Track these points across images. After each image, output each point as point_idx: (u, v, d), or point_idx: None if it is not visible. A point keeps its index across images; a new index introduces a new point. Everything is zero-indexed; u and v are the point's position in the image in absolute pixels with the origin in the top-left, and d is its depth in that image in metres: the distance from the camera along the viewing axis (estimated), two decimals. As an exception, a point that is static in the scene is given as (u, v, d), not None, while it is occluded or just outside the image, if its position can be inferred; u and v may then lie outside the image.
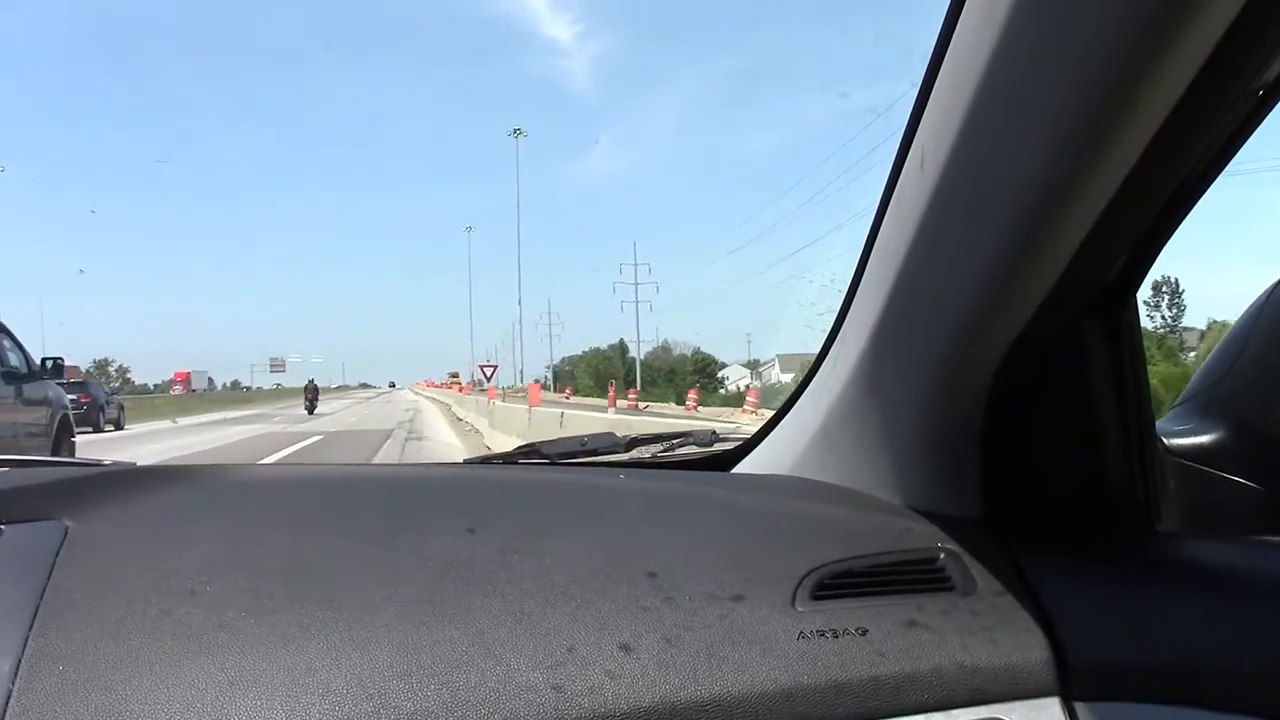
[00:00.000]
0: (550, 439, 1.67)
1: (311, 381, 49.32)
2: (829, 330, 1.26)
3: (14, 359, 11.03)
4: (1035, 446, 1.05)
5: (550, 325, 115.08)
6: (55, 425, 11.81)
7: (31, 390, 11.24)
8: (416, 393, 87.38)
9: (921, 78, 0.89)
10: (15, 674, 0.73)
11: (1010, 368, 0.96)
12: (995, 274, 0.87)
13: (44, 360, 11.56)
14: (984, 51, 0.77)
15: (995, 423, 1.01)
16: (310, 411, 44.67)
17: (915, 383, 1.03)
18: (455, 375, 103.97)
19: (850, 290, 1.15)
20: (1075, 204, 0.79)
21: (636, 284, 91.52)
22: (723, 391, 71.32)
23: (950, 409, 1.02)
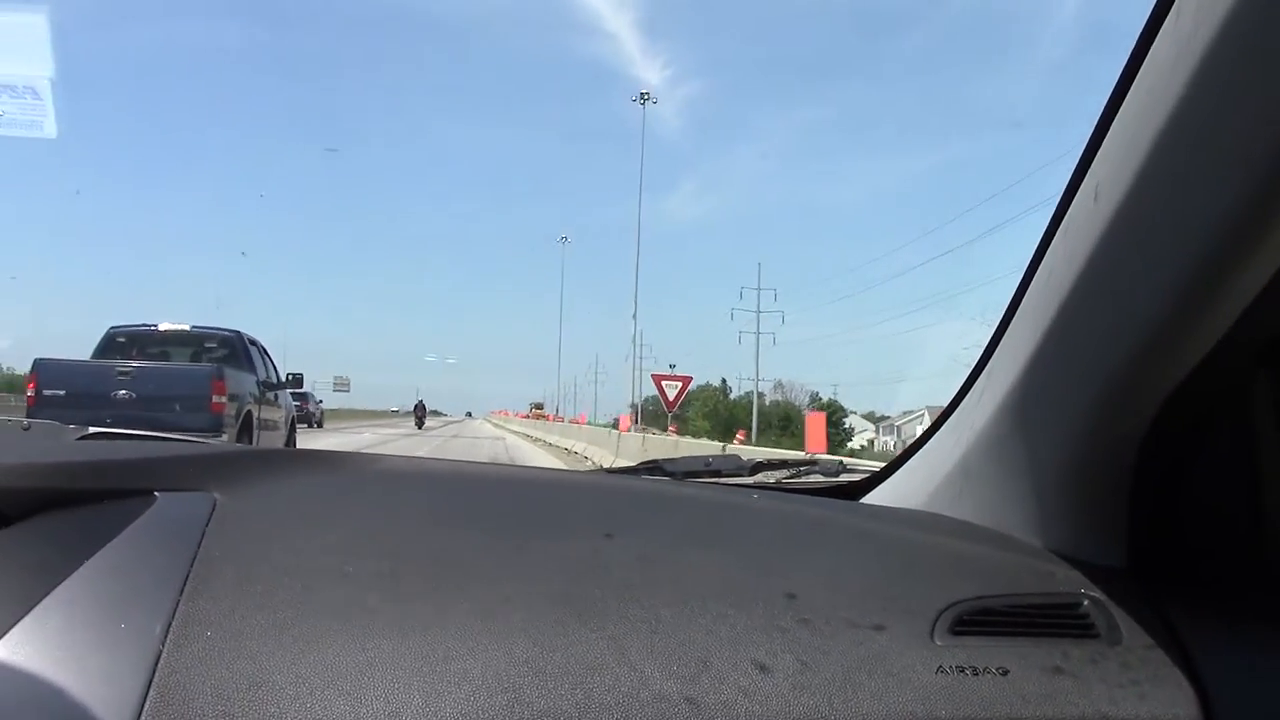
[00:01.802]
0: (672, 458, 1.67)
1: (420, 402, 61.93)
2: (974, 364, 1.23)
3: (265, 372, 14.01)
4: (1190, 497, 1.01)
5: (639, 357, 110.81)
6: (288, 423, 15.35)
7: (277, 396, 14.58)
8: (497, 424, 77.89)
9: (1102, 108, 0.87)
10: (165, 636, 0.76)
11: (1171, 413, 0.93)
12: (1166, 317, 0.84)
13: (288, 375, 15.14)
14: (1176, 83, 0.74)
15: (1149, 469, 0.98)
16: (419, 426, 54.38)
17: (1068, 423, 1.00)
18: (539, 405, 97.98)
19: (1004, 322, 1.12)
20: (1258, 250, 0.76)
21: (759, 311, 79.30)
22: (850, 445, 65.87)
23: (1103, 452, 0.98)
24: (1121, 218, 0.84)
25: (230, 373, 12.35)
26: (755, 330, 78.41)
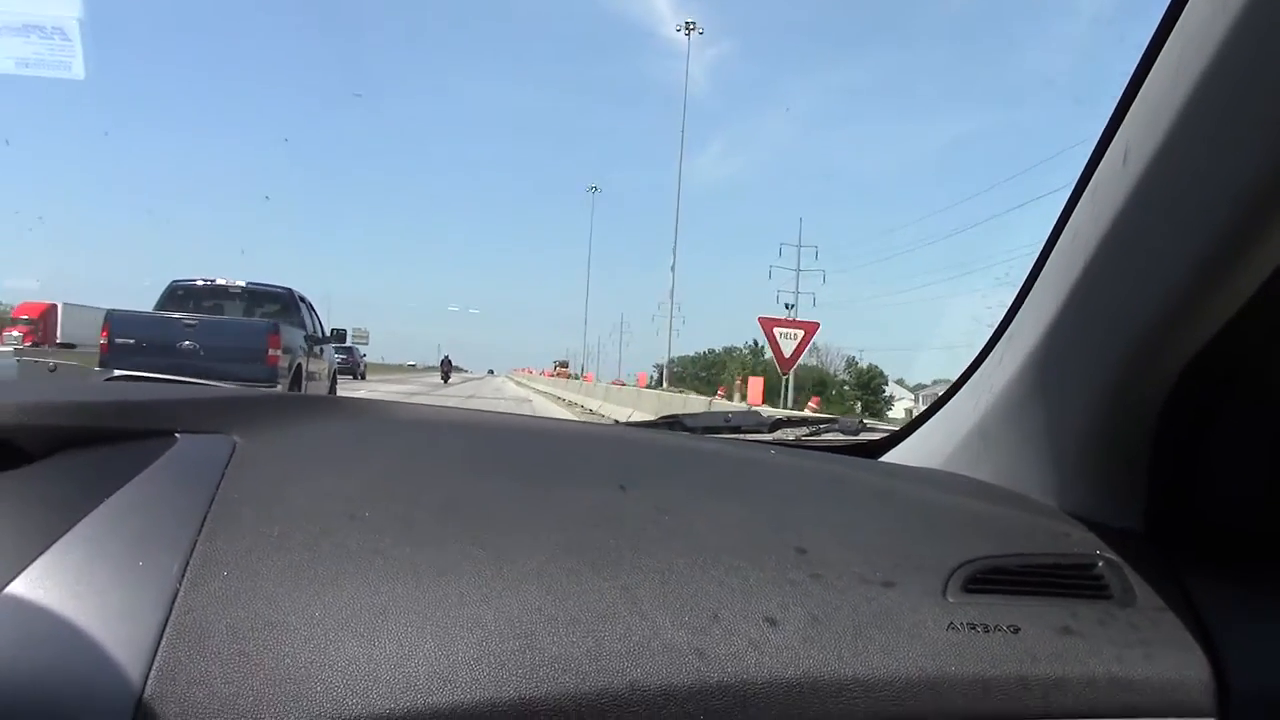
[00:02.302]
0: (694, 413, 1.67)
1: (447, 357, 64.13)
2: (996, 325, 1.23)
3: (311, 327, 14.85)
4: (1208, 462, 1.00)
5: (671, 317, 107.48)
6: (330, 375, 16.39)
7: (322, 350, 15.49)
8: (520, 382, 73.54)
9: (1134, 68, 0.85)
10: (183, 575, 0.77)
11: (1192, 377, 0.92)
12: (1192, 282, 0.83)
13: (332, 330, 16.25)
14: (1208, 45, 0.73)
15: (1168, 433, 0.97)
16: (445, 380, 57.34)
17: (1088, 386, 0.99)
18: (564, 364, 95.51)
19: (1027, 284, 1.12)
20: None
21: (799, 270, 75.51)
22: (891, 415, 64.68)
23: (1122, 416, 0.98)
24: (1150, 180, 0.83)
25: (284, 328, 13.18)
26: (795, 289, 74.72)
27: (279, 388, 12.11)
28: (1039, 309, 1.06)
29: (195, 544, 0.80)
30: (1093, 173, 0.94)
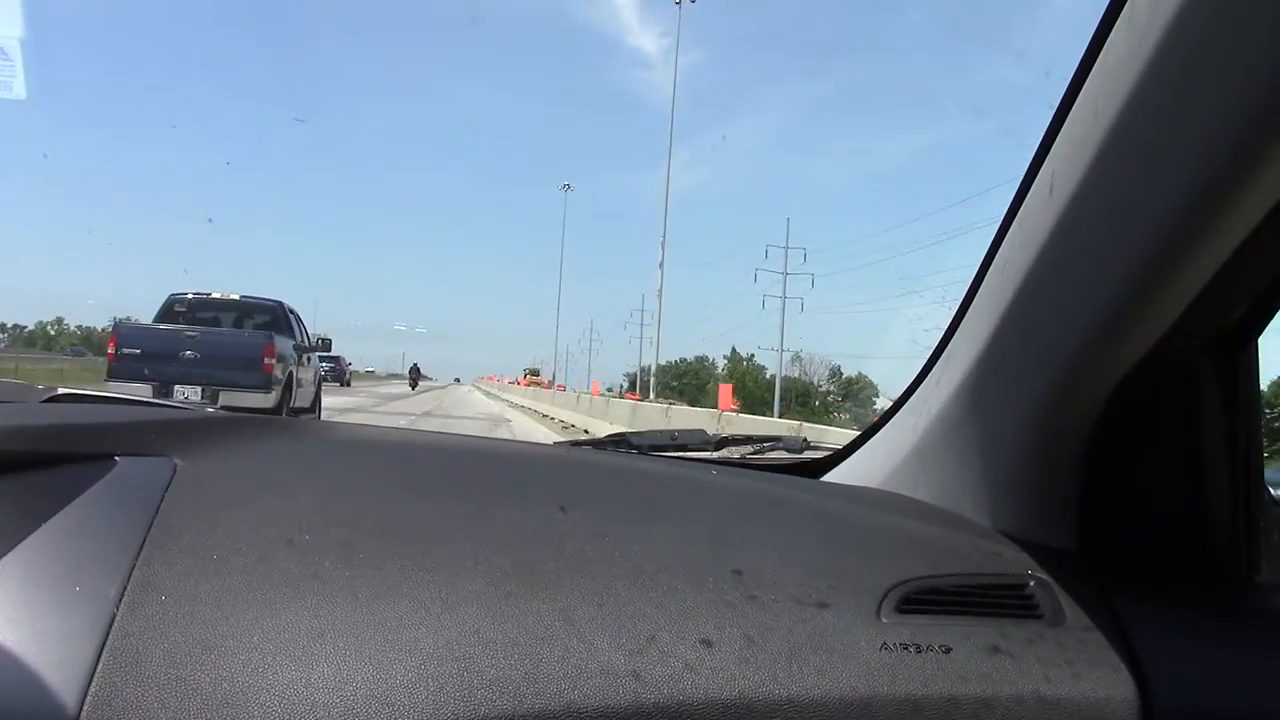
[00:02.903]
0: (641, 430, 1.68)
1: (415, 365, 65.88)
2: (933, 348, 1.25)
3: (300, 337, 15.62)
4: (1137, 482, 1.03)
5: (642, 325, 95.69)
6: (316, 381, 17.18)
7: (309, 359, 16.20)
8: (490, 393, 65.10)
9: (1060, 99, 0.88)
10: (120, 600, 0.77)
11: (1119, 400, 0.95)
12: (1117, 305, 0.86)
13: (318, 339, 16.92)
14: (1127, 80, 0.76)
15: (1098, 454, 1.00)
16: (413, 387, 58.79)
17: (1020, 407, 1.02)
18: (535, 371, 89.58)
19: (961, 309, 1.14)
20: (1208, 242, 0.78)
21: (786, 274, 71.15)
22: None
23: (1053, 437, 1.00)
24: (1074, 209, 0.85)
25: (278, 339, 14.06)
26: (782, 294, 70.89)
27: (274, 393, 13.38)
28: (973, 333, 1.08)
29: (133, 568, 0.79)
30: (1021, 201, 0.97)
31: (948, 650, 0.88)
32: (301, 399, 15.06)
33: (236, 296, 15.49)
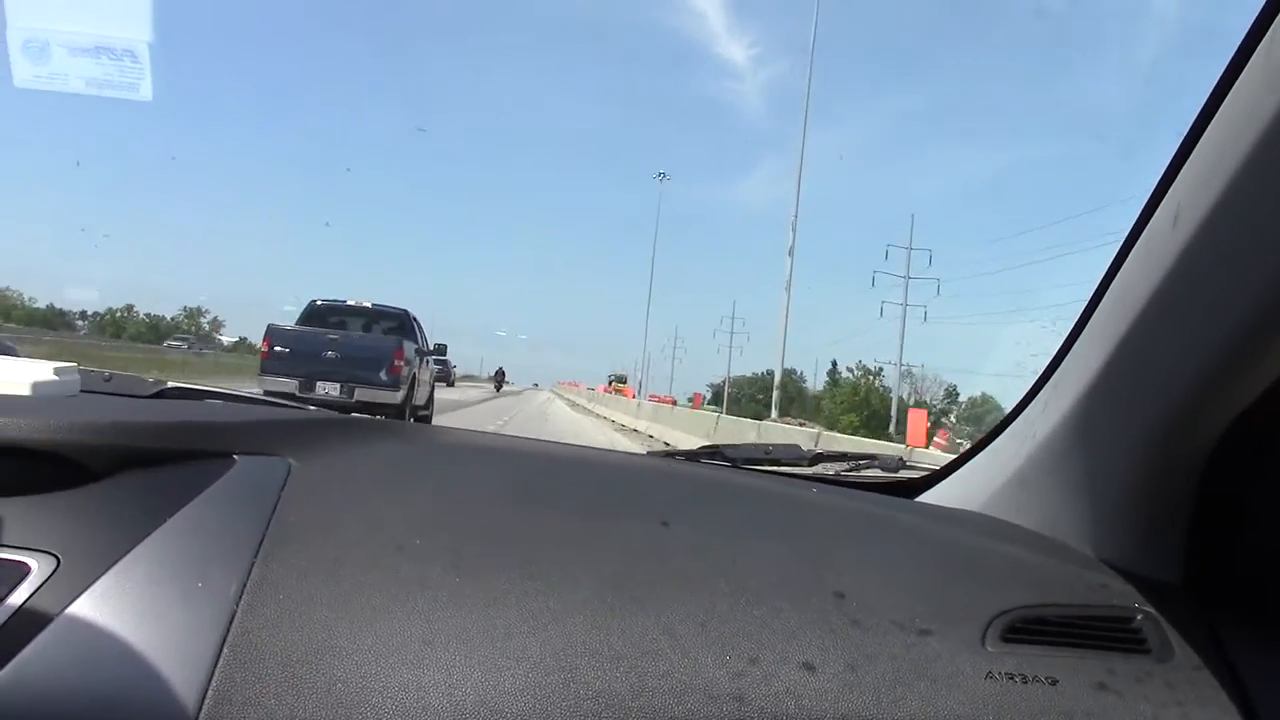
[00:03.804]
0: (734, 443, 1.67)
1: (500, 369, 66.48)
2: (1040, 372, 1.23)
3: (420, 342, 17.17)
4: (1251, 517, 1.00)
5: (732, 334, 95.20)
6: (432, 382, 19.11)
7: (427, 361, 17.93)
8: (574, 401, 58.39)
9: (1187, 129, 0.86)
10: (240, 597, 0.79)
11: (1237, 433, 0.92)
12: (1241, 340, 0.83)
13: (435, 345, 18.68)
14: (1263, 113, 0.74)
15: (1210, 487, 0.97)
16: (498, 389, 60.10)
17: (1132, 438, 1.00)
18: (621, 378, 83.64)
19: (1073, 334, 1.12)
20: None
21: (908, 277, 62.58)
22: None
23: (1165, 468, 0.98)
24: (1200, 241, 0.83)
25: (405, 343, 15.61)
26: (903, 301, 62.62)
27: (401, 392, 15.02)
28: (1086, 359, 1.06)
29: (252, 567, 0.82)
30: (1143, 229, 0.95)
31: (1054, 682, 0.87)
32: (419, 397, 16.58)
33: (369, 304, 17.48)
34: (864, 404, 63.12)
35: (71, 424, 0.90)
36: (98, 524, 0.84)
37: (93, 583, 0.78)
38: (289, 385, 14.16)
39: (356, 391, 14.54)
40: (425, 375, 17.77)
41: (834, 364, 75.68)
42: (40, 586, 0.77)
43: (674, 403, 56.44)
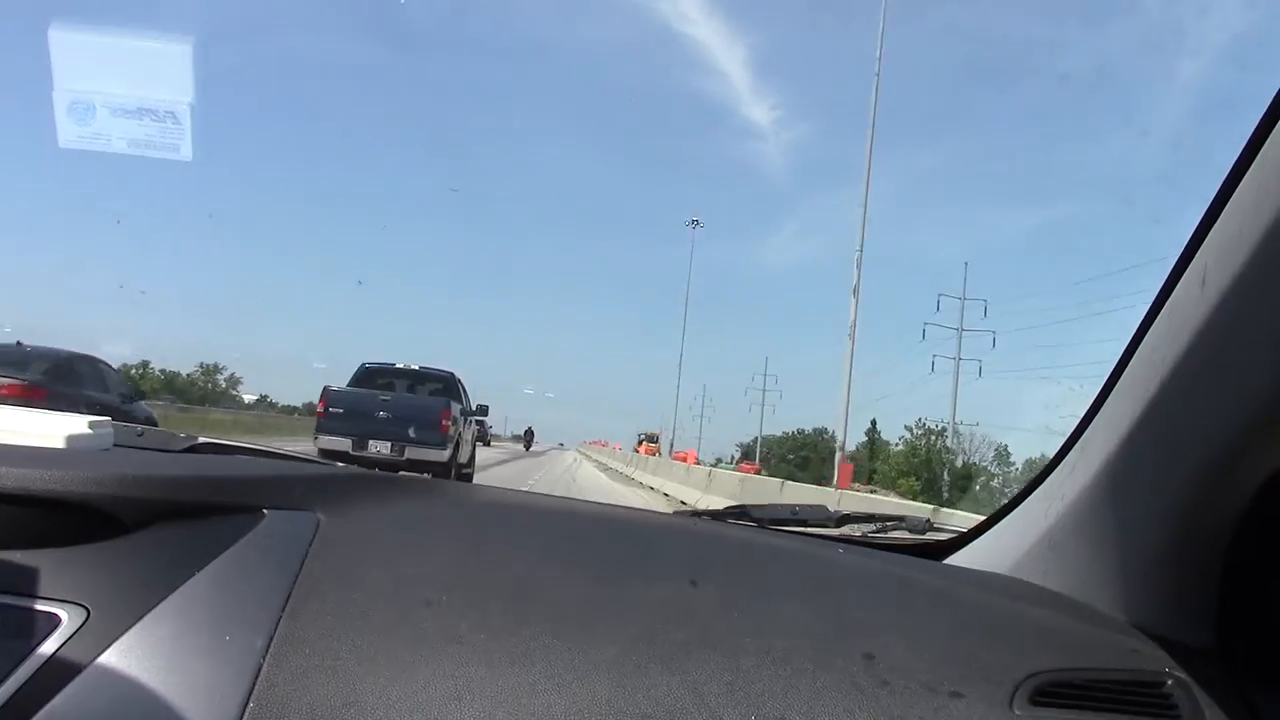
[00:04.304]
0: (761, 503, 1.67)
1: (530, 429, 64.91)
2: (1069, 434, 1.22)
3: (465, 403, 18.05)
4: None
5: (764, 391, 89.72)
6: (473, 440, 19.85)
7: (469, 420, 18.73)
8: (604, 465, 48.17)
9: (1216, 191, 0.87)
10: (266, 651, 0.80)
11: (1267, 497, 0.91)
12: (1270, 402, 0.83)
13: (477, 405, 19.25)
14: None
15: (1240, 552, 0.96)
16: (527, 449, 58.54)
17: (1161, 501, 0.99)
18: (653, 437, 77.20)
19: (1101, 395, 1.12)
20: None
21: (961, 330, 57.91)
22: None
23: (1196, 532, 0.97)
24: (1228, 304, 0.83)
25: (453, 404, 16.40)
26: (956, 355, 57.55)
27: (448, 450, 15.77)
28: (1113, 421, 1.06)
29: (279, 622, 0.82)
30: (1171, 291, 0.95)
31: None
32: (462, 455, 17.36)
33: (416, 367, 18.46)
34: (925, 466, 57.17)
35: (103, 477, 0.91)
36: (128, 576, 0.85)
37: (122, 634, 0.78)
38: (343, 444, 14.79)
39: (407, 450, 15.19)
40: (468, 434, 18.58)
41: (873, 423, 70.47)
42: (71, 637, 0.78)
43: (759, 470, 53.18)
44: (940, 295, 60.75)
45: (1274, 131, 0.78)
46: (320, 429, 15.51)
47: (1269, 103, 0.79)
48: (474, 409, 19.41)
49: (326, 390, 16.32)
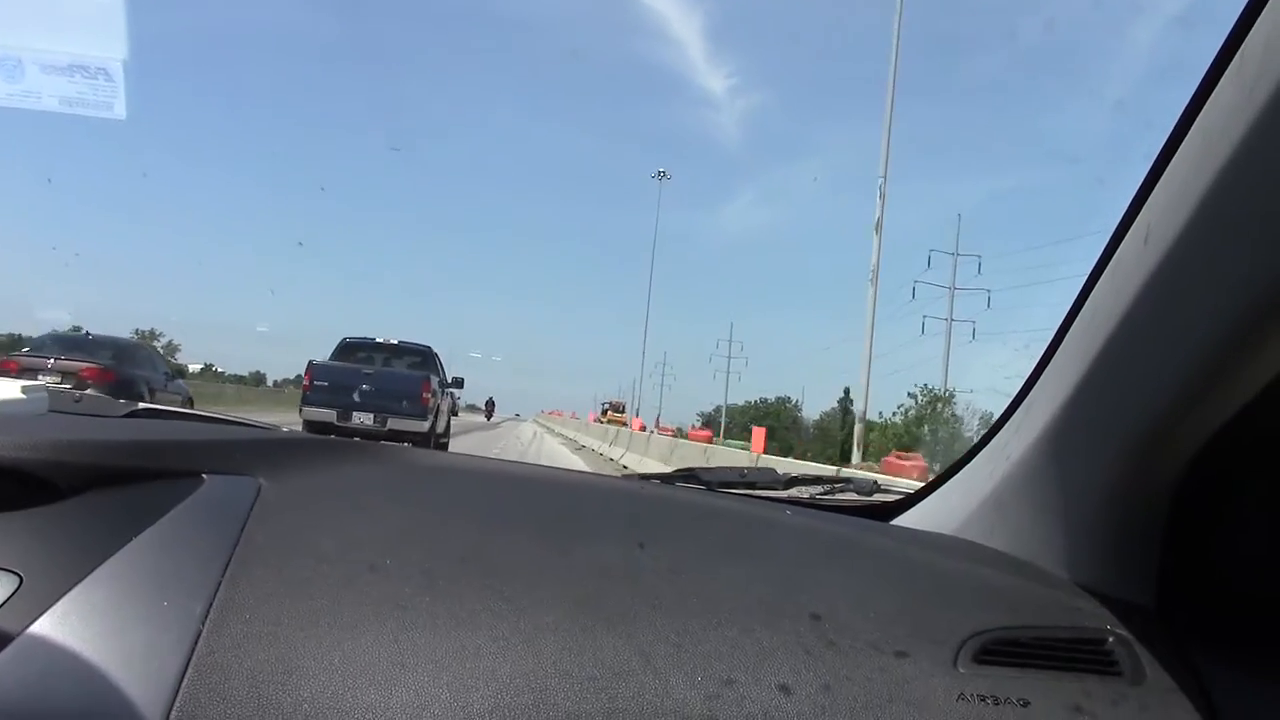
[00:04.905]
0: (709, 466, 1.67)
1: (490, 399, 63.50)
2: (1014, 395, 1.23)
3: (442, 376, 18.53)
4: (1223, 539, 1.01)
5: (730, 358, 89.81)
6: (449, 411, 20.12)
7: (445, 392, 19.04)
8: (564, 433, 47.67)
9: (1158, 151, 0.87)
10: (205, 617, 0.78)
11: (1209, 456, 0.93)
12: (1212, 360, 0.84)
13: (452, 378, 19.64)
14: (1234, 131, 0.74)
15: (1182, 510, 0.98)
16: (489, 418, 57.61)
17: (1105, 460, 1.00)
18: (618, 406, 75.78)
19: (1045, 356, 1.12)
20: None
21: (954, 288, 56.06)
22: None
23: (1139, 491, 0.98)
24: (1171, 260, 0.84)
25: (432, 377, 17.16)
26: (948, 316, 55.31)
27: (428, 421, 16.30)
28: (1058, 381, 1.07)
29: (219, 587, 0.81)
30: (1114, 251, 0.95)
31: (1025, 704, 0.87)
32: (439, 425, 17.78)
33: (395, 341, 18.79)
34: (933, 434, 49.41)
35: (37, 442, 0.89)
36: (62, 542, 0.83)
37: (55, 601, 0.77)
38: (328, 416, 15.44)
39: (389, 421, 15.72)
40: (444, 405, 18.99)
41: (846, 391, 65.30)
42: (2, 605, 0.76)
43: (711, 438, 47.84)
44: (931, 251, 58.68)
45: (1215, 89, 0.78)
46: (306, 401, 16.02)
47: (1211, 59, 0.79)
48: (449, 381, 19.73)
49: (312, 364, 16.74)
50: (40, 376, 13.66)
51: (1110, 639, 0.96)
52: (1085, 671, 0.92)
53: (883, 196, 26.41)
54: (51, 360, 14.99)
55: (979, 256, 60.04)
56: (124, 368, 15.99)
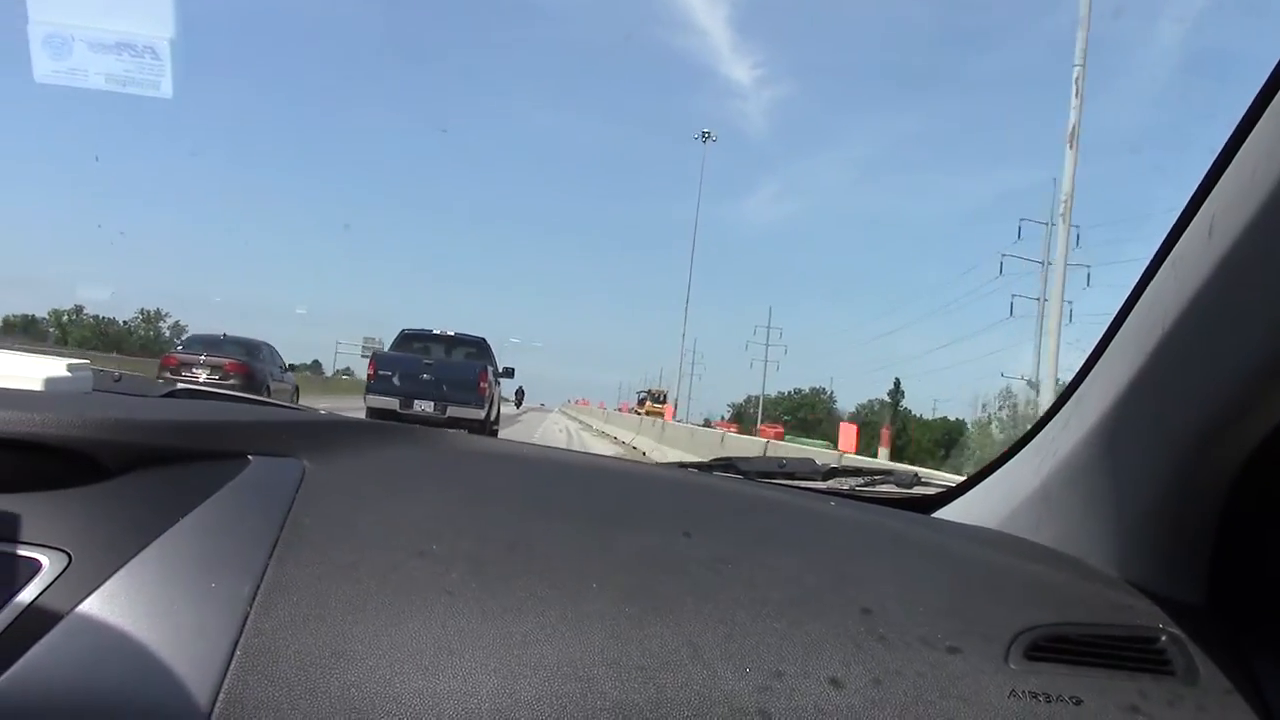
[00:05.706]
0: (747, 456, 1.66)
1: (520, 387, 60.96)
2: (1063, 388, 1.22)
3: (496, 365, 19.25)
4: (1277, 538, 0.99)
5: (767, 347, 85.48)
6: (499, 401, 20.69)
7: (500, 381, 19.77)
8: (598, 425, 43.77)
9: (1224, 144, 0.85)
10: (254, 598, 0.78)
11: (1265, 453, 0.91)
12: (1274, 356, 0.82)
13: (505, 367, 20.06)
14: None
15: (1237, 508, 0.96)
16: (518, 406, 54.19)
17: (1159, 455, 0.98)
18: (658, 396, 67.08)
19: (1098, 349, 1.11)
20: None
21: (1046, 262, 44.85)
22: None
23: (1192, 488, 0.97)
24: (1236, 254, 0.82)
25: (488, 367, 18.09)
26: (1040, 295, 46.93)
27: (485, 409, 17.11)
28: (1111, 375, 1.05)
29: (267, 568, 0.81)
30: (1175, 243, 0.93)
31: (1078, 702, 0.86)
32: (492, 413, 18.58)
33: (452, 332, 19.86)
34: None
35: (85, 420, 0.89)
36: (110, 521, 0.83)
37: (104, 581, 0.77)
38: (391, 403, 16.23)
39: (449, 409, 16.43)
40: (497, 394, 19.95)
41: (897, 383, 64.80)
42: (51, 583, 0.76)
43: (782, 435, 43.78)
44: (1022, 220, 51.58)
45: None
46: (370, 389, 16.93)
47: None
48: (501, 370, 20.42)
49: (376, 354, 18.06)
50: (194, 370, 17.48)
51: (1163, 638, 0.95)
52: (1137, 670, 0.90)
53: (1079, 95, 20.38)
54: (203, 355, 18.34)
55: (1077, 227, 46.00)
56: (253, 362, 19.02)
